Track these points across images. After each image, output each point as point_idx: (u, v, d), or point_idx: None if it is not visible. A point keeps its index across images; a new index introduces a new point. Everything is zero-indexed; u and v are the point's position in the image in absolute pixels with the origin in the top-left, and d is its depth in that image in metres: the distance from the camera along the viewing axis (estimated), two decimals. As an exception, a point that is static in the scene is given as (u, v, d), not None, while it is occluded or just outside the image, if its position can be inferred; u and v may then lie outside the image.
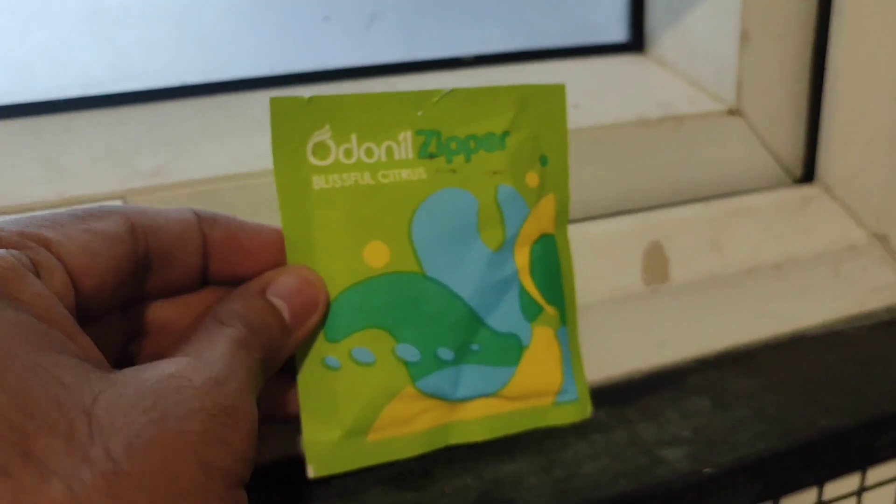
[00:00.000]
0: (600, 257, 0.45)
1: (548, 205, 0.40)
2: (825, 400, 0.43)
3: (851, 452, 0.42)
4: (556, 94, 0.40)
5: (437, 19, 0.50)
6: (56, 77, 0.43)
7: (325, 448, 0.36)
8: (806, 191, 0.50)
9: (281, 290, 0.33)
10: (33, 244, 0.24)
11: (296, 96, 0.35)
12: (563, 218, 0.41)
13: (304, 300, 0.34)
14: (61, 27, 0.43)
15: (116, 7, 0.43)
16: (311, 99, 0.35)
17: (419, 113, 0.37)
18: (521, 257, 0.39)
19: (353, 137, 0.36)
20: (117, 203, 0.36)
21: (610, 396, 0.44)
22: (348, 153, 0.36)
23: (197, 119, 0.43)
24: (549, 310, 0.40)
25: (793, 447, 0.40)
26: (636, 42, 0.55)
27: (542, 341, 0.40)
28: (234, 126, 0.42)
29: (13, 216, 0.35)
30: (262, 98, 0.46)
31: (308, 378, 0.36)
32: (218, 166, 0.39)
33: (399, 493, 0.37)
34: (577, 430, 0.41)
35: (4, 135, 0.41)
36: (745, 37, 0.47)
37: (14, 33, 0.42)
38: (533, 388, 0.40)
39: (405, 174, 0.37)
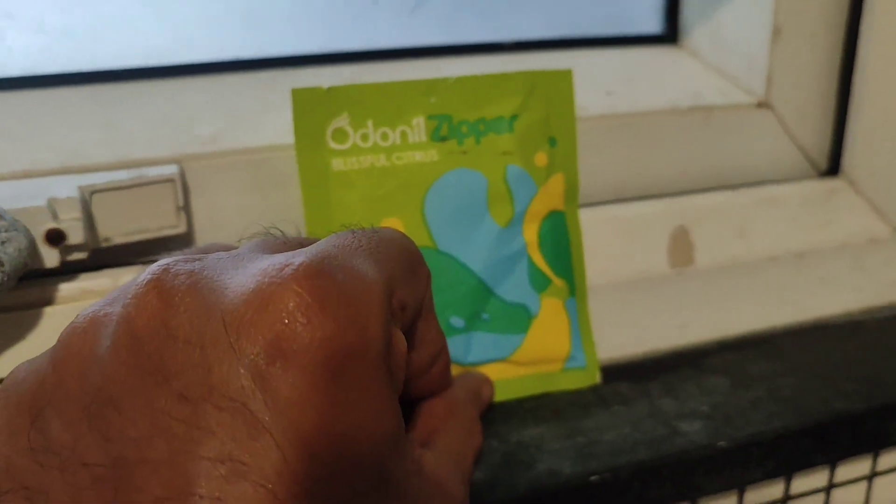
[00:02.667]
0: (628, 239, 0.46)
1: (557, 183, 0.42)
2: (841, 385, 0.44)
3: (864, 435, 0.43)
4: (563, 79, 0.41)
5: (480, 5, 0.51)
6: (119, 47, 0.44)
7: None
8: (831, 184, 0.51)
9: (484, 399, 0.38)
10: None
11: (315, 87, 0.37)
12: (572, 195, 0.43)
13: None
14: (126, 1, 0.45)
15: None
16: (329, 89, 0.37)
17: (431, 99, 0.39)
18: (530, 232, 0.41)
19: (370, 123, 0.38)
20: (174, 167, 0.38)
21: (632, 372, 0.45)
22: (365, 137, 0.38)
23: (250, 92, 0.44)
24: (558, 282, 0.42)
25: (807, 426, 0.40)
26: (670, 34, 0.56)
27: (550, 311, 0.42)
28: (285, 100, 0.43)
29: (77, 175, 0.37)
30: (312, 74, 0.47)
31: None
32: (270, 136, 0.40)
33: (428, 452, 0.38)
34: (600, 401, 0.42)
35: (70, 100, 0.42)
36: (776, 32, 0.48)
37: (83, 5, 0.44)
38: (542, 355, 0.41)
39: (418, 156, 0.39)
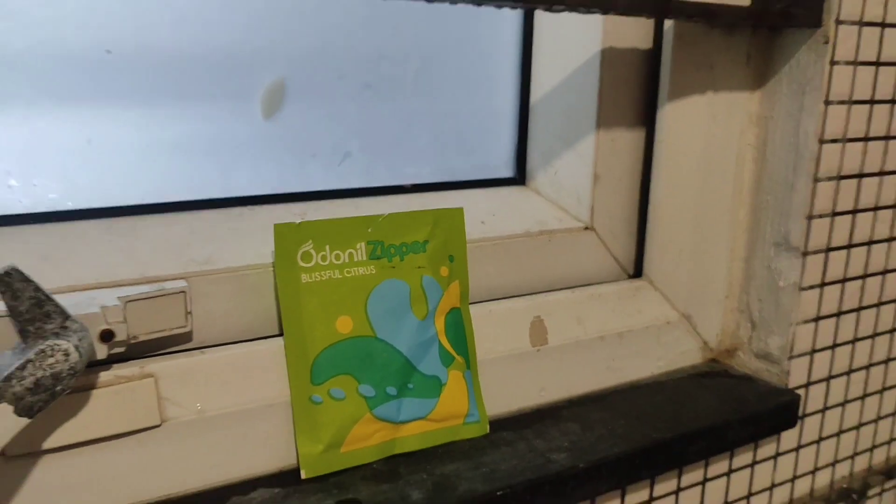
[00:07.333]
0: (500, 327, 0.59)
1: (455, 288, 0.56)
2: (654, 423, 0.58)
3: (672, 456, 0.58)
4: (457, 214, 0.56)
5: (388, 159, 0.64)
6: (126, 189, 0.54)
7: (312, 458, 0.50)
8: (637, 284, 0.66)
9: None
10: None
11: (290, 222, 0.49)
12: (465, 297, 0.57)
13: None
14: (130, 155, 0.53)
15: (170, 142, 0.54)
16: (300, 224, 0.50)
17: (369, 230, 0.52)
18: (439, 323, 0.54)
19: (327, 247, 0.51)
20: (183, 282, 0.49)
21: (511, 424, 0.58)
22: (324, 258, 0.51)
23: (225, 223, 0.55)
24: (459, 359, 0.55)
25: (635, 451, 0.55)
26: (520, 177, 0.70)
27: (454, 380, 0.55)
28: (253, 229, 0.54)
29: (110, 289, 0.48)
30: (269, 210, 0.60)
31: (300, 410, 0.50)
32: (249, 258, 0.51)
33: (378, 485, 0.49)
34: (492, 444, 0.55)
35: (89, 230, 0.51)
36: (596, 177, 0.64)
37: (95, 156, 0.52)
38: (449, 413, 0.54)
39: (361, 270, 0.52)
